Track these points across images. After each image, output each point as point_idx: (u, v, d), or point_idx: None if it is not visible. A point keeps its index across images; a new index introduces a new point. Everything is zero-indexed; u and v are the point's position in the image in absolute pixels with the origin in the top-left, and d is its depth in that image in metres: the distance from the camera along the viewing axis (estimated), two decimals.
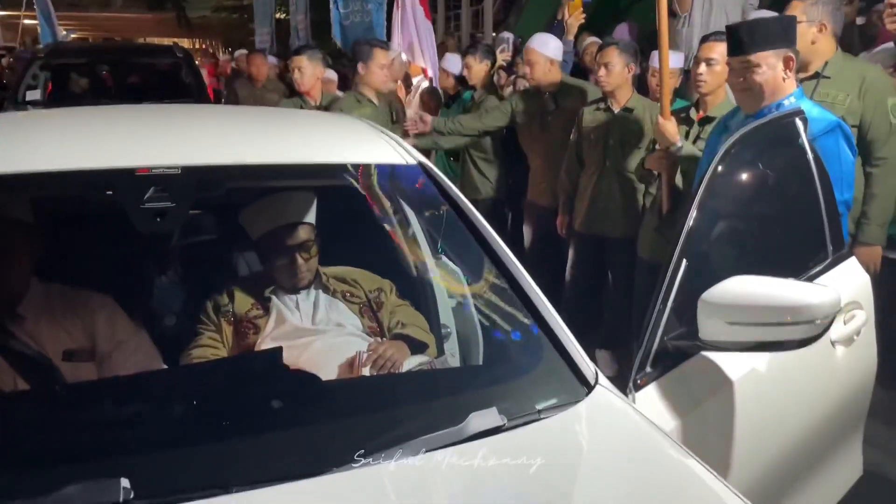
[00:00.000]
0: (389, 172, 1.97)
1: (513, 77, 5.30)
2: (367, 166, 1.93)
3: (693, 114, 3.43)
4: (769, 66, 2.49)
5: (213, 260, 1.94)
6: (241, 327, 2.00)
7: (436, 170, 2.00)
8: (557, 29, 6.13)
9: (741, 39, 2.54)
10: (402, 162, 1.95)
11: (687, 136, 3.32)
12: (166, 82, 6.60)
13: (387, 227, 2.12)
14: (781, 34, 2.54)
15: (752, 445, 1.83)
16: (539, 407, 1.42)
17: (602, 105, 3.85)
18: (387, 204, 2.08)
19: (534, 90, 4.33)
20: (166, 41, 23.86)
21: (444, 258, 2.10)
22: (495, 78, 5.15)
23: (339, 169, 1.90)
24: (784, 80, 2.51)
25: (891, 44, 3.23)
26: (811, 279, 2.17)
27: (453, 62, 5.31)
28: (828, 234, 2.32)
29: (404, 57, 6.09)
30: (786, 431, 1.96)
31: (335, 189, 2.04)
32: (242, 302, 2.01)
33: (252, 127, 2.04)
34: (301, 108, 4.30)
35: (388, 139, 2.06)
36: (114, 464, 1.18)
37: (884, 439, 2.96)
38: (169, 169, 1.66)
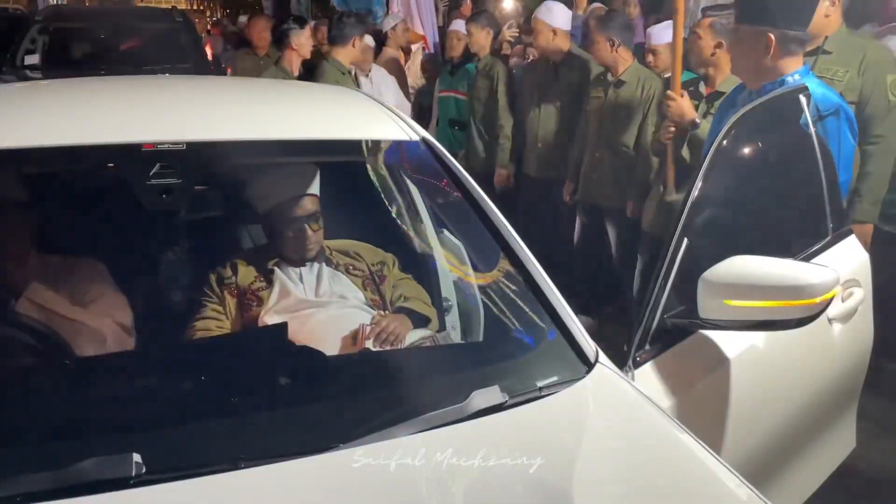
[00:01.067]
0: (393, 148, 1.97)
1: (520, 47, 5.26)
2: (371, 142, 1.94)
3: (702, 88, 3.41)
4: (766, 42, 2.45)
5: (218, 235, 1.95)
6: (245, 299, 2.02)
7: (439, 145, 2.00)
8: None
9: (753, 9, 2.48)
10: (405, 137, 1.95)
11: (696, 110, 3.31)
12: (165, 47, 6.53)
13: (390, 201, 2.13)
14: (791, 13, 2.49)
15: (748, 421, 1.86)
16: (540, 384, 1.45)
17: (602, 77, 3.85)
18: (390, 179, 2.09)
19: (540, 61, 4.31)
20: (164, 2, 23.52)
21: (446, 233, 2.12)
22: (504, 48, 5.11)
23: (344, 144, 1.90)
24: (780, 58, 2.47)
25: None
26: (812, 256, 2.19)
27: (460, 26, 5.24)
28: (828, 212, 2.33)
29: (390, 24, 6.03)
30: (782, 407, 1.99)
31: (339, 164, 2.04)
32: (246, 274, 2.02)
33: (256, 102, 2.03)
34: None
35: (392, 115, 2.06)
36: (121, 439, 1.21)
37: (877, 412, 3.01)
38: (174, 145, 1.66)
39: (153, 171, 1.63)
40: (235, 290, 2.00)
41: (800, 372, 2.03)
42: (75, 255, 1.70)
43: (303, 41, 4.41)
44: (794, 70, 2.48)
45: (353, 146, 1.92)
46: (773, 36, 2.41)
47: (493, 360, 1.57)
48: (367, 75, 4.87)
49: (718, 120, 2.78)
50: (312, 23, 6.35)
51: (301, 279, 2.11)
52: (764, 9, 2.45)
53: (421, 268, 2.17)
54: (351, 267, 2.18)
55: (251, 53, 5.82)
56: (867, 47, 2.91)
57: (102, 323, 1.72)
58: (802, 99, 2.34)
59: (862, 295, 2.25)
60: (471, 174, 5.27)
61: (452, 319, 2.20)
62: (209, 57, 7.10)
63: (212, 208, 1.93)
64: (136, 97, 1.94)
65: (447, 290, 2.19)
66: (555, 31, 4.06)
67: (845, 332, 2.16)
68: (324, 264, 2.15)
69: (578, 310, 4.03)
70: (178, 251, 1.85)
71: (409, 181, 2.09)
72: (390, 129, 1.96)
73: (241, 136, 1.77)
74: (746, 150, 2.15)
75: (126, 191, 1.65)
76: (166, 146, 1.66)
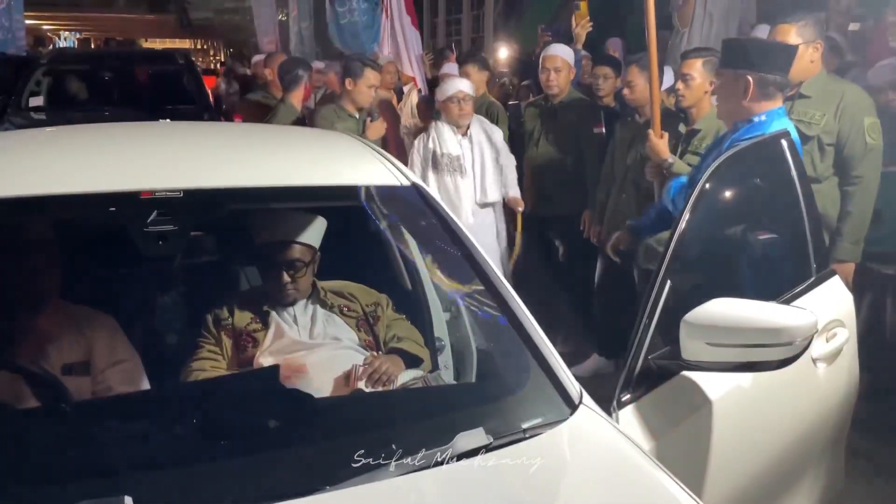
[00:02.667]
0: (385, 193, 2.03)
1: (523, 83, 5.39)
2: (363, 188, 2.00)
3: (682, 127, 3.51)
4: (730, 84, 2.57)
5: (214, 279, 2.00)
6: (241, 341, 2.06)
7: (429, 190, 2.06)
8: (554, 29, 6.19)
9: (725, 56, 2.63)
10: (396, 183, 2.01)
11: (676, 148, 3.40)
12: (168, 89, 6.66)
13: (383, 245, 2.18)
14: (749, 57, 2.60)
15: (732, 462, 1.89)
16: (525, 426, 1.48)
17: (630, 118, 3.92)
18: (382, 224, 2.14)
19: (539, 100, 4.40)
20: (168, 43, 23.95)
21: (438, 276, 2.17)
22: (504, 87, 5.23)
23: (337, 190, 1.96)
24: (743, 100, 2.57)
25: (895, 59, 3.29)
26: (795, 297, 2.24)
27: (454, 70, 5.36)
28: (811, 253, 2.38)
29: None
30: (766, 449, 2.02)
31: (333, 209, 2.10)
32: (242, 316, 2.07)
33: (251, 149, 2.10)
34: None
35: (384, 160, 2.12)
36: (115, 482, 1.24)
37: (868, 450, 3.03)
38: (171, 192, 1.72)
39: (151, 217, 1.68)
40: (231, 332, 2.04)
41: (784, 413, 2.06)
42: (75, 300, 1.75)
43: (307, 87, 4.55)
44: (764, 111, 2.58)
45: (345, 191, 1.98)
46: (751, 79, 2.52)
47: (478, 402, 1.61)
48: (465, 133, 4.24)
49: (707, 161, 2.85)
50: (321, 64, 6.43)
51: (295, 321, 2.15)
52: (745, 54, 2.58)
53: (414, 308, 2.21)
54: (345, 308, 2.22)
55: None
56: (845, 91, 2.99)
57: (104, 368, 1.77)
58: (784, 143, 2.41)
59: (846, 335, 2.28)
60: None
61: (445, 359, 2.24)
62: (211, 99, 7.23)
63: (207, 253, 1.98)
64: (134, 145, 2.01)
65: (440, 330, 2.23)
66: (571, 69, 4.19)
67: (830, 373, 2.19)
68: (318, 306, 2.19)
69: (598, 351, 4.13)
70: (174, 295, 1.90)
71: (400, 225, 2.14)
72: (382, 174, 2.02)
73: (236, 183, 1.83)
74: (728, 194, 2.21)
75: (124, 237, 1.70)
76: (164, 193, 1.72)
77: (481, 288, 1.86)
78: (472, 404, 1.59)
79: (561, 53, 4.22)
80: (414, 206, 2.03)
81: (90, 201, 1.69)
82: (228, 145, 2.10)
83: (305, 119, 4.50)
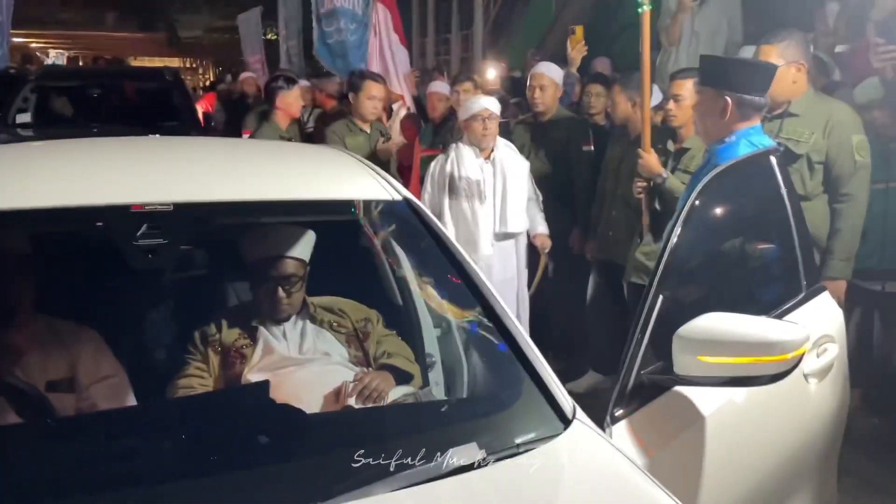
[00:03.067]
0: (376, 207, 2.03)
1: (512, 101, 5.42)
2: (355, 202, 1.99)
3: (670, 145, 3.54)
4: (706, 103, 2.59)
5: (203, 293, 1.98)
6: (229, 357, 2.03)
7: (421, 205, 2.06)
8: (542, 54, 6.24)
9: (714, 72, 2.64)
10: (388, 197, 2.01)
11: (665, 165, 3.42)
12: (157, 106, 6.64)
13: (374, 259, 2.17)
14: (726, 76, 2.62)
15: (725, 477, 1.88)
16: (518, 441, 1.47)
17: (620, 136, 3.95)
18: (373, 238, 2.14)
19: (528, 119, 4.42)
20: (156, 61, 23.94)
21: (429, 291, 2.16)
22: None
23: (328, 205, 1.95)
24: (721, 119, 2.58)
25: (876, 78, 3.33)
26: (786, 313, 2.24)
27: (443, 88, 5.37)
28: (801, 269, 2.39)
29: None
30: (758, 464, 2.01)
31: (324, 224, 2.09)
32: (230, 332, 2.04)
33: (242, 163, 2.09)
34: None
35: (375, 175, 2.12)
36: (103, 498, 1.21)
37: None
38: (161, 206, 1.71)
39: (141, 231, 1.66)
40: (219, 348, 2.02)
41: (777, 428, 2.06)
42: (62, 314, 1.73)
43: (290, 100, 4.53)
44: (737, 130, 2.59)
45: (336, 206, 1.97)
46: (730, 100, 2.55)
47: (471, 417, 1.59)
48: (487, 158, 3.88)
49: (697, 179, 2.87)
50: (306, 82, 6.44)
51: (285, 336, 2.13)
52: (725, 73, 2.61)
53: (405, 324, 2.20)
54: (335, 323, 2.20)
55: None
56: (833, 109, 3.02)
57: (89, 383, 1.74)
58: (773, 160, 2.43)
59: (837, 351, 2.29)
60: None
61: (436, 375, 2.22)
62: (200, 117, 7.22)
63: (197, 267, 1.97)
64: (124, 159, 1.99)
65: (431, 346, 2.22)
66: (554, 85, 4.21)
67: (821, 388, 2.19)
68: (308, 321, 2.17)
69: (593, 367, 4.08)
70: (163, 310, 1.88)
71: (392, 240, 2.13)
72: (374, 189, 2.02)
73: (227, 197, 1.82)
74: (719, 210, 2.22)
75: (113, 251, 1.69)
76: (154, 207, 1.70)
77: (474, 303, 1.85)
78: (465, 419, 1.58)
79: (547, 72, 4.24)
80: (405, 220, 2.02)
81: (79, 215, 1.67)
82: (219, 159, 2.09)
83: (312, 136, 4.52)
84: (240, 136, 5.78)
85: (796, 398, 2.11)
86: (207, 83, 20.15)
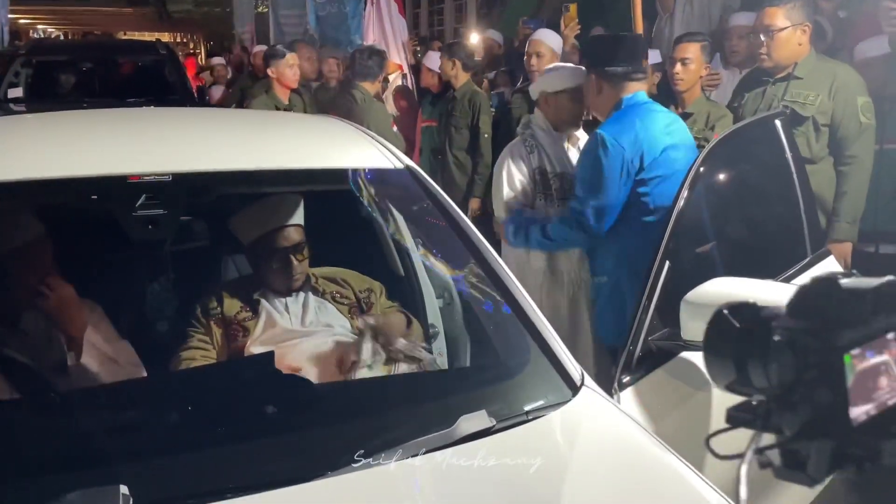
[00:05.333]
0: (378, 176, 1.99)
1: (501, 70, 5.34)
2: (355, 171, 1.96)
3: (672, 109, 3.49)
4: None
5: (203, 265, 1.95)
6: (231, 329, 2.01)
7: (423, 173, 2.03)
8: (535, 22, 6.15)
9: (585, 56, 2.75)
10: (389, 166, 1.97)
11: None
12: (150, 80, 6.55)
13: (375, 229, 2.15)
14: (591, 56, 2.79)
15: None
16: (527, 408, 1.46)
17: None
18: (375, 207, 2.11)
19: (528, 86, 4.36)
20: (147, 36, 23.63)
21: (432, 260, 2.14)
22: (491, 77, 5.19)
23: (329, 174, 1.92)
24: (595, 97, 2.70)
25: (884, 37, 3.27)
26: (791, 278, 2.23)
27: (436, 62, 5.31)
28: (807, 233, 2.37)
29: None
30: None
31: (324, 193, 2.06)
32: (231, 304, 2.02)
33: (241, 132, 2.05)
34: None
35: (376, 143, 2.08)
36: (109, 471, 1.20)
37: None
38: (160, 176, 1.68)
39: (139, 202, 1.63)
40: (221, 321, 2.00)
41: None
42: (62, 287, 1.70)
43: (283, 70, 4.45)
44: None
45: (338, 175, 1.94)
46: (594, 75, 2.66)
47: (479, 385, 1.58)
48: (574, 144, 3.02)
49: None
50: (312, 52, 6.19)
51: (287, 309, 2.11)
52: (591, 53, 2.81)
53: (407, 295, 2.18)
54: (337, 294, 2.18)
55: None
56: (837, 71, 2.98)
57: (91, 354, 1.72)
58: (778, 123, 2.40)
59: None
60: None
61: (439, 346, 2.20)
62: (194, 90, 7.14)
63: (197, 239, 1.94)
64: (121, 129, 1.95)
65: (433, 317, 2.20)
66: (550, 52, 4.14)
67: None
68: (310, 293, 2.15)
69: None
70: (163, 281, 1.86)
71: (394, 209, 2.11)
72: (375, 157, 1.98)
73: (226, 166, 1.79)
74: (724, 175, 2.19)
75: (111, 222, 1.66)
76: (152, 177, 1.67)
77: (478, 271, 1.83)
78: (473, 388, 1.56)
79: (544, 39, 4.18)
80: (408, 189, 1.99)
81: (75, 186, 1.64)
82: (218, 128, 2.05)
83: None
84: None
85: None
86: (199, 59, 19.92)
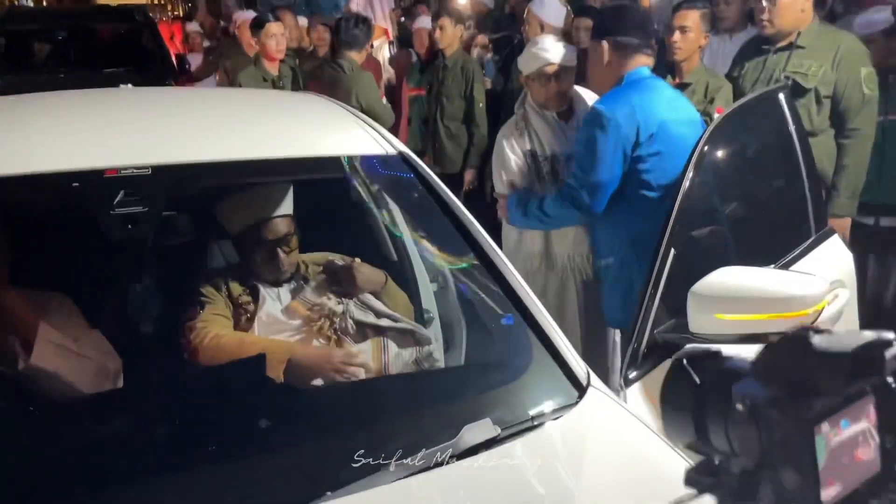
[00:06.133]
0: (370, 163, 1.90)
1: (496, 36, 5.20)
2: (347, 158, 1.87)
3: (668, 80, 3.39)
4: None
5: (189, 263, 1.86)
6: (238, 310, 1.93)
7: (417, 159, 1.94)
8: None
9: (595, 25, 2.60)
10: (382, 152, 1.88)
11: None
12: (127, 49, 6.34)
13: (368, 217, 2.06)
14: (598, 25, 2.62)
15: None
16: (532, 413, 1.40)
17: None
18: (368, 195, 2.02)
19: None
20: None
21: (426, 250, 2.06)
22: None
23: (320, 162, 1.83)
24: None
25: (887, 7, 3.18)
26: (796, 259, 2.17)
27: (428, 23, 5.13)
28: (811, 213, 2.31)
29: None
30: None
31: (316, 181, 1.97)
32: (234, 286, 1.94)
33: (225, 118, 1.94)
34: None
35: (366, 127, 1.99)
36: (97, 485, 1.13)
37: None
38: (139, 169, 1.58)
39: (117, 199, 1.54)
40: (230, 298, 1.91)
41: None
42: (39, 289, 1.61)
43: (265, 40, 4.27)
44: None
45: (329, 163, 1.85)
46: (605, 43, 2.49)
47: (482, 389, 1.51)
48: (568, 120, 2.82)
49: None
50: (304, 20, 5.91)
51: (279, 299, 2.04)
52: (601, 21, 2.63)
53: (401, 281, 2.11)
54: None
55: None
56: (841, 40, 2.89)
57: (79, 360, 1.64)
58: (782, 98, 2.32)
59: (847, 296, 2.23)
60: (440, 175, 5.13)
61: (435, 331, 2.14)
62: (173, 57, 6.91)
63: (181, 235, 1.84)
64: (95, 117, 1.83)
65: (428, 302, 2.13)
66: (542, 26, 3.99)
67: None
68: (301, 282, 2.07)
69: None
70: (146, 284, 1.76)
71: (387, 196, 2.02)
72: (367, 143, 1.89)
73: (210, 157, 1.69)
74: (728, 155, 2.11)
75: (88, 221, 1.56)
76: (130, 171, 1.57)
77: (475, 262, 1.75)
78: (476, 391, 1.49)
79: (532, 8, 4.02)
80: (401, 175, 1.90)
81: (47, 182, 1.53)
82: (199, 115, 1.94)
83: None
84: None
85: None
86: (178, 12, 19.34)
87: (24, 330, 1.53)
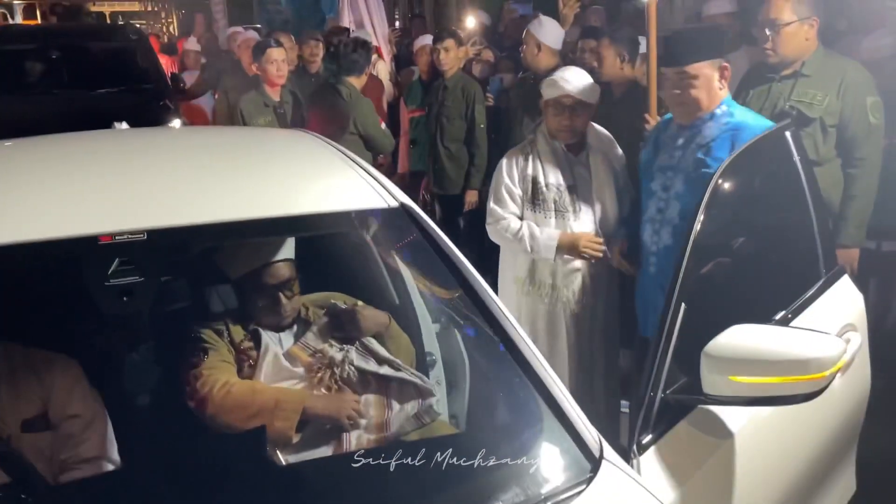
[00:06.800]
0: (371, 218, 1.85)
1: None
2: (348, 214, 1.82)
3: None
4: (705, 76, 2.41)
5: (188, 329, 1.80)
6: (240, 356, 1.88)
7: (419, 210, 1.89)
8: (521, 6, 5.93)
9: (677, 50, 2.46)
10: (384, 205, 1.83)
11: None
12: (120, 67, 6.26)
13: (371, 273, 2.01)
14: (717, 44, 2.49)
15: (756, 491, 1.79)
16: (544, 492, 1.35)
17: (608, 97, 3.71)
18: (370, 249, 1.97)
19: (530, 76, 4.16)
20: (116, 6, 22.91)
21: (428, 298, 2.02)
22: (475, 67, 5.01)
23: (320, 219, 1.78)
24: (719, 89, 2.45)
25: (889, 31, 3.14)
26: (808, 303, 2.13)
27: (430, 40, 5.06)
28: (820, 253, 2.27)
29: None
30: (787, 467, 1.93)
31: (317, 237, 1.92)
32: (236, 331, 1.90)
33: (220, 172, 1.89)
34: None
35: (367, 176, 1.94)
36: None
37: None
38: (133, 235, 1.52)
39: (112, 268, 1.48)
40: (232, 344, 1.87)
41: (802, 430, 1.96)
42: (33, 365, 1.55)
43: (266, 66, 4.20)
44: (720, 101, 2.46)
45: (330, 219, 1.80)
46: (727, 65, 2.44)
47: (489, 469, 1.43)
48: (577, 154, 2.84)
49: (645, 163, 2.67)
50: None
51: (281, 344, 1.99)
52: (719, 41, 2.52)
53: (402, 324, 2.06)
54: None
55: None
56: (846, 69, 2.84)
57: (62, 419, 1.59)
58: (789, 137, 2.27)
59: (860, 340, 2.19)
60: (442, 197, 5.00)
61: (437, 374, 2.10)
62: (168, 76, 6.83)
63: (180, 300, 1.79)
64: (84, 177, 1.77)
65: (430, 345, 2.09)
66: (539, 46, 3.95)
67: (845, 381, 2.09)
68: (304, 327, 2.03)
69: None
70: (143, 350, 1.71)
71: (391, 251, 1.97)
72: (368, 195, 1.84)
73: (207, 218, 1.64)
74: (738, 197, 2.06)
75: (81, 290, 1.51)
76: (125, 237, 1.52)
77: (483, 327, 1.70)
78: (483, 473, 1.41)
79: (530, 28, 3.95)
80: (404, 229, 1.85)
81: (35, 251, 1.48)
82: (194, 170, 1.88)
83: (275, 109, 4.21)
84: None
85: (821, 398, 2.01)
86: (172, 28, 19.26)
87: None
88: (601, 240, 2.79)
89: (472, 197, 4.52)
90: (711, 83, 2.42)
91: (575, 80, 2.74)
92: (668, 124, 2.63)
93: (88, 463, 1.56)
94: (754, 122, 2.42)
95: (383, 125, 4.31)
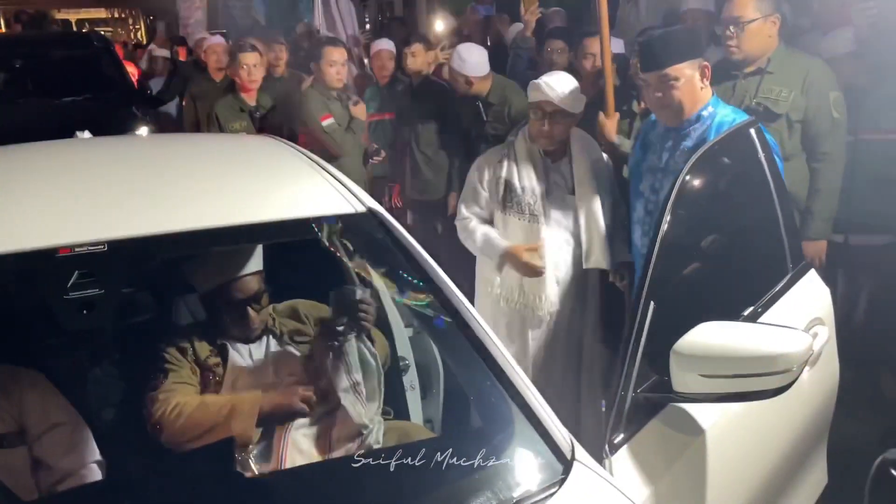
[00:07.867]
0: (339, 223, 1.83)
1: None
2: (315, 220, 1.80)
3: (635, 106, 3.35)
4: (686, 78, 2.42)
5: (151, 342, 1.77)
6: (204, 374, 1.86)
7: (387, 215, 1.88)
8: (484, 8, 5.90)
9: (656, 54, 2.46)
10: (351, 210, 1.82)
11: (630, 129, 3.24)
12: (86, 75, 6.17)
13: (340, 278, 1.99)
14: (695, 44, 2.51)
15: (729, 487, 1.80)
16: (516, 495, 1.34)
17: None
18: (339, 255, 1.95)
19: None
20: (82, 13, 22.61)
21: (396, 306, 2.01)
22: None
23: (287, 225, 1.76)
24: (701, 89, 2.47)
25: (848, 29, 3.19)
26: (775, 298, 2.15)
27: (389, 44, 5.03)
28: (787, 249, 2.29)
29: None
30: (759, 462, 1.94)
31: (284, 244, 1.90)
32: (201, 347, 1.88)
33: (185, 181, 1.86)
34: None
35: (333, 180, 1.92)
36: None
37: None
38: (93, 246, 1.49)
39: (72, 281, 1.45)
40: (196, 363, 1.85)
41: (772, 425, 1.98)
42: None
43: (238, 70, 4.13)
44: (706, 102, 2.48)
45: (296, 225, 1.77)
46: (707, 63, 2.45)
47: (461, 473, 1.42)
48: (556, 161, 2.83)
49: (634, 163, 2.71)
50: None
51: (251, 356, 1.97)
52: (694, 41, 2.53)
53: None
54: (296, 334, 2.05)
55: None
56: (809, 66, 2.88)
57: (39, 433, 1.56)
58: (754, 134, 2.29)
59: (827, 334, 2.21)
60: (422, 203, 4.92)
61: (411, 378, 2.09)
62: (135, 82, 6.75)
63: (143, 313, 1.75)
64: (43, 188, 1.74)
65: (403, 349, 2.08)
66: (469, 82, 3.96)
67: (814, 375, 2.12)
68: (271, 338, 2.01)
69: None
70: (107, 361, 1.67)
71: (357, 256, 1.95)
72: (335, 201, 1.83)
73: (170, 227, 1.61)
74: (704, 196, 2.07)
75: (41, 305, 1.47)
76: (85, 249, 1.49)
77: (449, 321, 1.69)
78: (454, 473, 1.40)
79: (452, 65, 3.98)
80: (372, 234, 1.84)
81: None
82: (155, 177, 1.85)
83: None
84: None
85: (791, 391, 2.03)
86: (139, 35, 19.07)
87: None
88: (542, 254, 2.74)
89: (454, 200, 4.46)
90: (693, 83, 2.44)
91: (559, 87, 2.71)
92: (655, 125, 2.64)
93: (86, 467, 1.54)
94: (736, 117, 2.44)
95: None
